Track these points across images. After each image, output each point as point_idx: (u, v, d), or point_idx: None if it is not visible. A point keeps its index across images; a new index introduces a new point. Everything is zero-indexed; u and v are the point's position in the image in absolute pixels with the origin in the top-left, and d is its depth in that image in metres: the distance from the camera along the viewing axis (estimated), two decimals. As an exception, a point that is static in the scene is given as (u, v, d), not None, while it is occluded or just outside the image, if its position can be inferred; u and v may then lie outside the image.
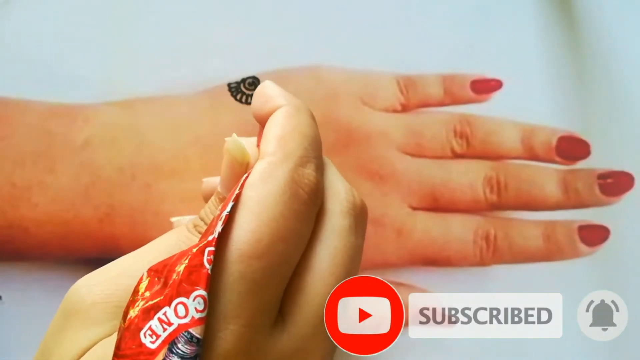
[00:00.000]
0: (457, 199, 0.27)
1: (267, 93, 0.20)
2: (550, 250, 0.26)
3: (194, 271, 0.16)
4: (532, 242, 0.26)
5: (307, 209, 0.18)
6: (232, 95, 0.27)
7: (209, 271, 0.16)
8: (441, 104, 0.28)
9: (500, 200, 0.27)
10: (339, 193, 0.19)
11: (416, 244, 0.26)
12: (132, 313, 0.16)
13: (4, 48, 0.28)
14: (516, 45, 0.28)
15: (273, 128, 0.19)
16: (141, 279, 0.17)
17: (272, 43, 0.28)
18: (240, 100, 0.27)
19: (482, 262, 0.26)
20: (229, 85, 0.27)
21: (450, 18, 0.29)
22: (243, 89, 0.27)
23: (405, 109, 0.28)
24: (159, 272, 0.17)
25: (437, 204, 0.27)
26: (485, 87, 0.28)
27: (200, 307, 0.16)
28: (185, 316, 0.16)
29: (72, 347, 0.17)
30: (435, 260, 0.26)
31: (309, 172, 0.18)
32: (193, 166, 0.27)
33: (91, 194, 0.26)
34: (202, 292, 0.16)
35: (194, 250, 0.17)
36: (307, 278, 0.18)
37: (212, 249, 0.16)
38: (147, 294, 0.17)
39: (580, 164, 0.27)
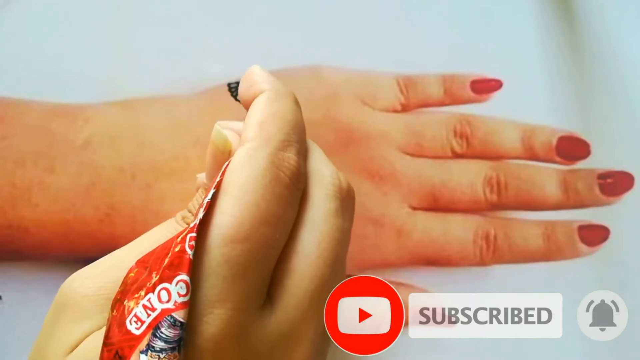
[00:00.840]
0: (457, 199, 0.27)
1: (252, 78, 0.20)
2: (550, 250, 0.26)
3: (176, 258, 0.17)
4: (532, 242, 0.26)
5: (289, 193, 0.18)
6: (231, 95, 0.27)
7: (191, 256, 0.16)
8: (441, 104, 0.28)
9: (500, 200, 0.27)
10: (324, 177, 0.19)
11: (416, 244, 0.26)
12: (120, 303, 0.17)
13: (4, 48, 0.28)
14: (516, 45, 0.28)
15: (254, 113, 0.19)
16: (130, 270, 0.18)
17: (272, 43, 0.28)
18: (239, 100, 0.27)
19: (482, 262, 0.26)
20: (228, 85, 0.27)
21: (450, 18, 0.29)
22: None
23: (405, 109, 0.28)
24: (146, 262, 0.18)
25: (437, 204, 0.27)
26: (485, 87, 0.28)
27: (183, 292, 0.16)
28: (168, 301, 0.16)
29: (65, 339, 0.17)
30: (435, 260, 0.26)
31: (290, 155, 0.18)
32: (193, 166, 0.27)
33: (91, 194, 0.26)
34: (184, 276, 0.16)
35: (178, 239, 0.17)
36: (293, 262, 0.18)
37: (194, 234, 0.17)
38: (135, 284, 0.17)
39: (580, 164, 0.27)
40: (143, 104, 0.27)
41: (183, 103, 0.27)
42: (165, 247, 0.17)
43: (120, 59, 0.28)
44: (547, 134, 0.27)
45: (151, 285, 0.17)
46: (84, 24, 0.28)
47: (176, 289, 0.16)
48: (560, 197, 0.27)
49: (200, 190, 0.21)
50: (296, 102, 0.20)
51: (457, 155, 0.27)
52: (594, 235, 0.26)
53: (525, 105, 0.28)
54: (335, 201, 0.19)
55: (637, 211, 0.27)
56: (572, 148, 0.27)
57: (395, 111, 0.28)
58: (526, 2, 0.29)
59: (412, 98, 0.28)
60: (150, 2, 0.29)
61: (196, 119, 0.27)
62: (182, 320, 0.16)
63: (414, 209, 0.27)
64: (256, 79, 0.20)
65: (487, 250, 0.26)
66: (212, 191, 0.17)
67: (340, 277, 0.20)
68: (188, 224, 0.19)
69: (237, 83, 0.27)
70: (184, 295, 0.16)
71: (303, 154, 0.19)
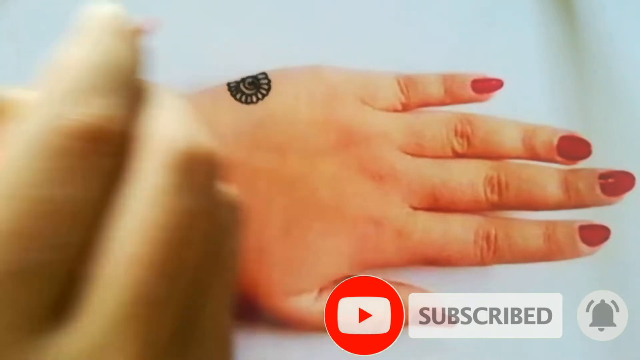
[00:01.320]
0: (457, 199, 0.27)
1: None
2: (551, 250, 0.26)
3: None
4: (533, 242, 0.26)
5: (82, 163, 0.13)
6: (231, 94, 0.27)
7: None
8: (442, 103, 0.28)
9: (501, 200, 0.27)
10: (164, 139, 0.14)
11: (416, 244, 0.26)
12: None
13: (4, 48, 0.28)
14: (517, 44, 0.28)
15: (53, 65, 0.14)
16: None
17: (273, 42, 0.28)
18: (240, 100, 0.27)
19: (482, 262, 0.26)
20: (228, 84, 0.27)
21: (451, 18, 0.29)
22: (243, 89, 0.27)
23: (405, 108, 0.28)
24: None
25: (437, 204, 0.27)
26: (486, 86, 0.28)
27: None
28: None
29: None
30: (435, 260, 0.26)
31: (89, 110, 0.13)
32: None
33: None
34: None
35: None
36: (102, 261, 0.13)
37: None
38: None
39: (582, 164, 0.27)
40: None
41: (183, 103, 0.27)
42: None
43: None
44: (548, 134, 0.27)
45: None
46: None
47: None
48: (561, 197, 0.26)
49: None
50: (126, 41, 0.15)
51: (457, 155, 0.27)
52: (595, 235, 0.26)
53: (526, 105, 0.28)
54: (174, 174, 0.13)
55: (638, 211, 0.27)
56: (573, 148, 0.27)
57: (395, 111, 0.28)
58: (527, 2, 0.29)
59: (412, 98, 0.28)
60: (150, 2, 0.29)
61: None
62: None
63: (415, 208, 0.27)
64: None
65: (488, 250, 0.26)
66: None
67: (202, 284, 0.15)
68: None
69: (237, 82, 0.27)
70: None
71: (125, 106, 0.14)
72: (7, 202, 0.12)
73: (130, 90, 0.14)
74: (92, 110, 0.13)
